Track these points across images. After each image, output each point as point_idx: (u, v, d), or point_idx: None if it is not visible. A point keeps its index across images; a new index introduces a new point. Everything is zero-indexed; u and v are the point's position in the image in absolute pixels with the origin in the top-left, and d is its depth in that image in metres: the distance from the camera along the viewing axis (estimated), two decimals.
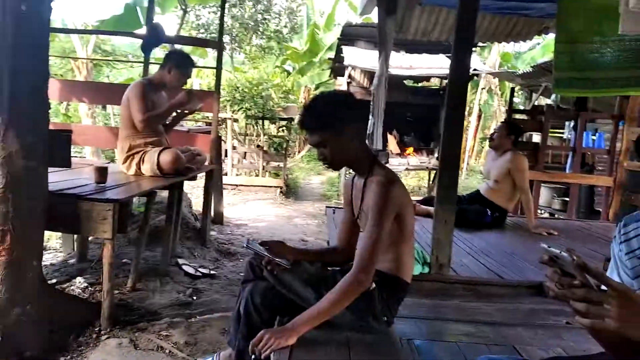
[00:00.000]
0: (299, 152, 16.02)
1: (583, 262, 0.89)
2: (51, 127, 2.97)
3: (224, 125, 9.39)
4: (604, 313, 0.87)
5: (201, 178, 5.03)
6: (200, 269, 4.04)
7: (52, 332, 2.66)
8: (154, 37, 4.89)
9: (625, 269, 1.14)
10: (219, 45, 5.46)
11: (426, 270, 2.76)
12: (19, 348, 2.45)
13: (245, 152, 9.41)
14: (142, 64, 5.31)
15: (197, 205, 5.89)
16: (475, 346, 1.93)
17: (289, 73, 15.52)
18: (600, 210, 5.87)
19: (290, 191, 9.45)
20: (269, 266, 1.97)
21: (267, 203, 8.17)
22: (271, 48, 16.76)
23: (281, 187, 8.97)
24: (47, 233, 3.47)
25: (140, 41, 5.37)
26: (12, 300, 2.45)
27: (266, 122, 10.24)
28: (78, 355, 2.58)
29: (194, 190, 7.49)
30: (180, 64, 3.87)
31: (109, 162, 5.33)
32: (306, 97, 15.62)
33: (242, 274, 3.84)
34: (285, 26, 16.58)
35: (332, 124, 1.87)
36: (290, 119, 10.25)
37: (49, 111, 2.81)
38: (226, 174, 8.60)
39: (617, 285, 0.90)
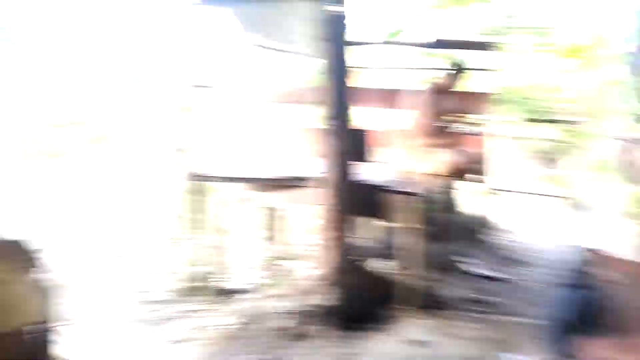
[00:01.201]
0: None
1: None
2: None
3: (495, 129, 9.15)
4: None
5: (473, 182, 4.98)
6: (489, 271, 4.03)
7: (365, 304, 3.10)
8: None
9: None
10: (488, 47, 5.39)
11: None
12: (350, 314, 2.98)
13: (516, 158, 8.98)
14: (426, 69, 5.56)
15: (467, 208, 5.83)
16: None
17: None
18: None
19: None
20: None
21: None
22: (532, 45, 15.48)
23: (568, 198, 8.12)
24: None
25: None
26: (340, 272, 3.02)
27: (542, 125, 9.57)
28: (388, 326, 2.97)
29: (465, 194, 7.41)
30: (458, 70, 4.10)
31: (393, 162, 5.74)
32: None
33: (533, 282, 3.73)
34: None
35: None
36: (572, 121, 9.36)
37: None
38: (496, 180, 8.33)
39: None
